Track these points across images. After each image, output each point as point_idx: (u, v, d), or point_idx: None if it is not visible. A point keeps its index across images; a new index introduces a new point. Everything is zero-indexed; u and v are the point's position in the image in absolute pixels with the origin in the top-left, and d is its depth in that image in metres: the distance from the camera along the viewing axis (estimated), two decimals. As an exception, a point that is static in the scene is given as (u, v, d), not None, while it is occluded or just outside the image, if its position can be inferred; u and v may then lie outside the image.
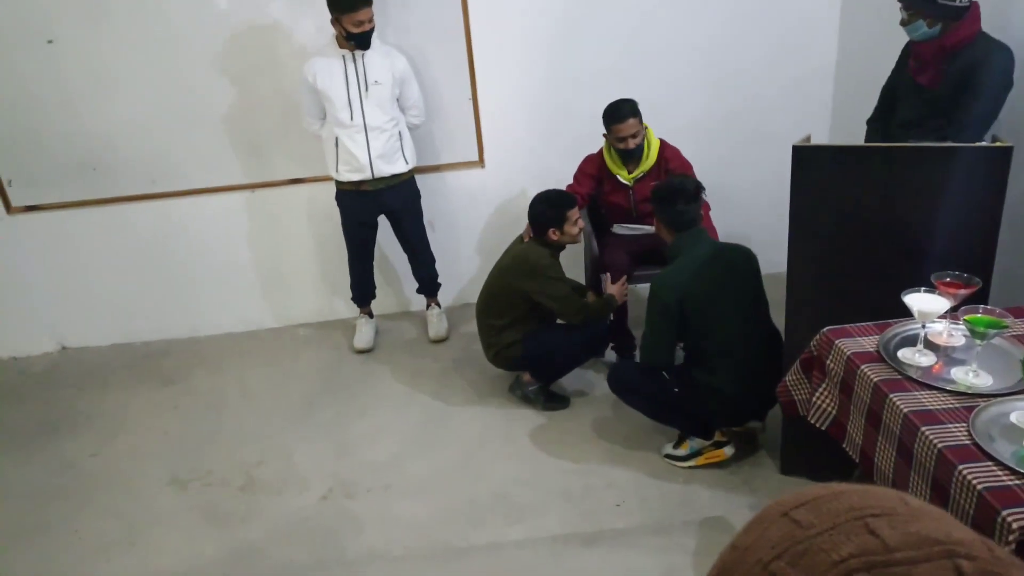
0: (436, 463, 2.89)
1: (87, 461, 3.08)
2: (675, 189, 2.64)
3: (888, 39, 2.75)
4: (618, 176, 3.30)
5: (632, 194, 3.32)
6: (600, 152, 3.35)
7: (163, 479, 2.93)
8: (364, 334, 3.78)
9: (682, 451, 2.74)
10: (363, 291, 3.80)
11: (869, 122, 2.91)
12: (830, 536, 0.44)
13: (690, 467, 2.72)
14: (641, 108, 3.21)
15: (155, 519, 2.72)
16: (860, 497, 0.47)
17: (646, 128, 3.25)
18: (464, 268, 4.02)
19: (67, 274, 3.89)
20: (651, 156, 3.27)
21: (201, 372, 3.71)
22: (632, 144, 3.19)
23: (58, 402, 3.55)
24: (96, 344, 4.04)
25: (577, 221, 3.07)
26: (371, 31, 3.22)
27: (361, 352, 3.75)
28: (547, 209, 3.02)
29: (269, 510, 2.72)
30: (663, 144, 3.32)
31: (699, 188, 2.66)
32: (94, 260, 3.87)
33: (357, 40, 3.20)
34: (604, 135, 3.29)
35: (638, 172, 3.28)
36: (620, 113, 3.16)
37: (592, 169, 3.37)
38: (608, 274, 3.19)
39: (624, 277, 3.17)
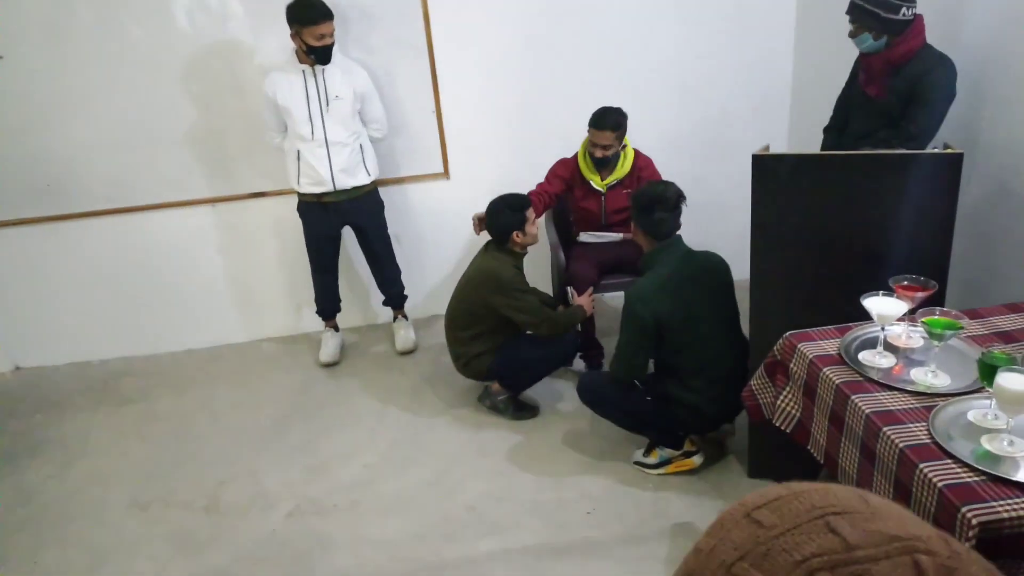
0: (407, 479, 2.87)
1: (46, 488, 2.99)
2: (655, 197, 2.55)
3: (841, 53, 2.83)
4: (591, 182, 3.32)
5: (603, 201, 3.35)
6: (575, 156, 3.37)
7: (125, 503, 2.85)
8: (329, 348, 3.74)
9: (652, 459, 2.76)
10: (328, 304, 3.76)
11: (825, 130, 2.99)
12: (792, 536, 0.45)
13: (660, 474, 2.73)
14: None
15: (118, 546, 2.64)
16: (821, 496, 0.48)
17: (625, 144, 3.28)
18: (431, 279, 4.01)
19: (21, 292, 3.79)
20: (626, 165, 3.30)
21: (163, 391, 3.63)
22: (600, 154, 3.22)
23: (14, 426, 3.44)
24: (52, 363, 3.94)
25: (534, 220, 3.09)
26: (332, 45, 3.21)
27: (327, 366, 3.71)
28: (509, 214, 3.03)
29: (235, 532, 2.66)
30: (637, 154, 3.35)
31: (680, 197, 2.59)
32: (49, 277, 3.78)
33: (317, 54, 3.19)
34: (587, 139, 3.30)
35: (611, 179, 3.31)
36: (601, 121, 3.18)
37: (564, 172, 3.38)
38: (572, 288, 3.20)
39: (591, 289, 3.18)
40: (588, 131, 3.25)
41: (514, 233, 3.03)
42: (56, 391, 3.71)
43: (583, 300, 3.14)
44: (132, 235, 3.75)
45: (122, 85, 3.48)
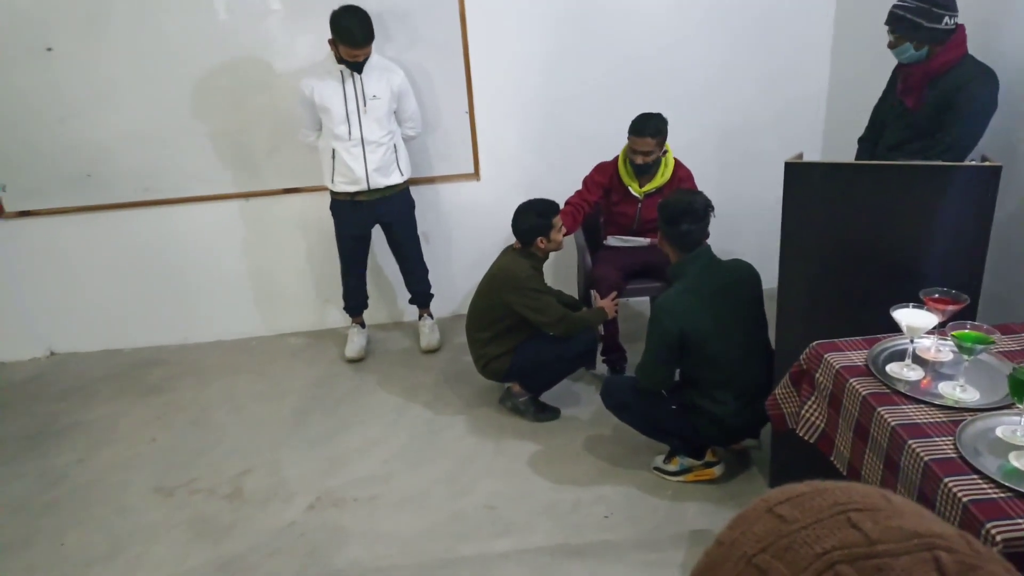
0: (425, 475, 2.88)
1: (73, 472, 3.04)
2: (682, 208, 2.51)
3: (880, 62, 2.78)
4: (629, 188, 3.31)
5: (640, 208, 3.33)
6: (615, 160, 3.35)
7: (149, 489, 2.90)
8: (355, 343, 3.77)
9: (672, 467, 2.74)
10: (356, 301, 3.79)
11: (860, 140, 2.94)
12: (814, 530, 0.45)
13: (679, 482, 2.71)
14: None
15: (140, 531, 2.69)
16: (843, 493, 0.48)
17: (667, 149, 3.26)
18: (458, 280, 4.03)
19: (58, 279, 3.88)
20: (666, 173, 3.28)
21: (191, 380, 3.69)
22: (640, 160, 3.19)
23: (42, 410, 3.52)
24: (85, 350, 4.02)
25: (561, 228, 3.08)
26: (365, 60, 3.25)
27: (352, 361, 3.74)
28: (535, 218, 3.03)
29: (255, 521, 2.69)
30: (678, 164, 3.32)
31: (708, 206, 2.55)
32: (86, 266, 3.87)
33: (349, 66, 3.25)
34: (627, 146, 3.29)
35: (650, 187, 3.29)
36: (641, 127, 3.17)
37: (602, 178, 3.36)
38: (595, 291, 3.19)
39: (614, 293, 3.17)
40: (628, 138, 3.22)
41: (538, 239, 3.03)
42: (85, 377, 3.79)
43: (606, 303, 3.13)
44: (164, 227, 3.82)
45: (158, 78, 3.55)
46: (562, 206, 3.23)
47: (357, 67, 3.26)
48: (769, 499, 0.50)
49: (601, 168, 3.39)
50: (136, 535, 2.66)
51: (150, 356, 3.95)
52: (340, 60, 3.23)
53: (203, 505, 2.79)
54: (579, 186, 3.42)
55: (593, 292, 3.20)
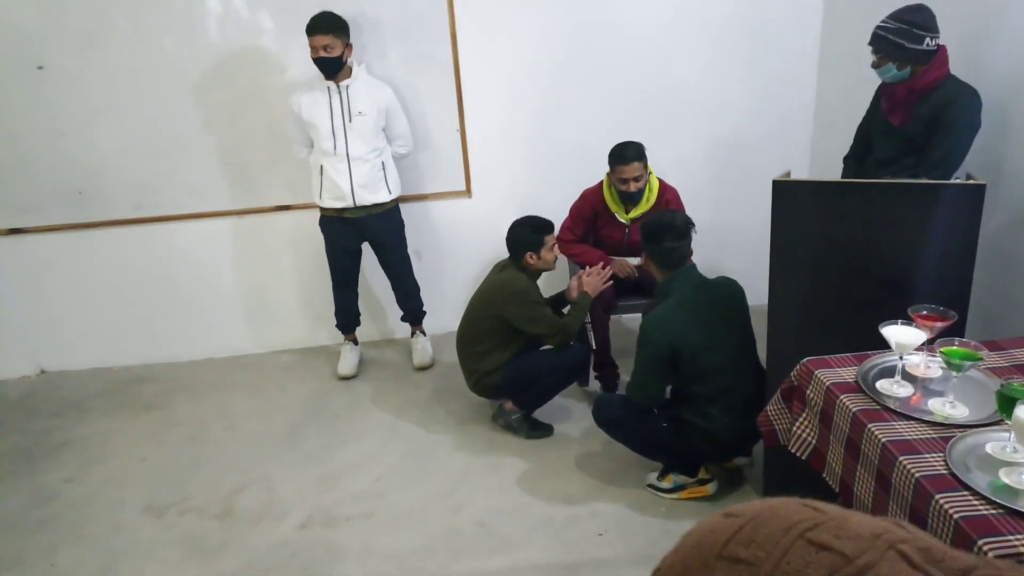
0: (419, 492, 2.87)
1: (64, 490, 3.02)
2: (664, 226, 2.57)
3: (864, 81, 2.83)
4: (615, 214, 3.33)
5: (627, 232, 3.35)
6: (599, 187, 3.36)
7: (140, 507, 2.88)
8: (348, 361, 3.77)
9: (666, 484, 2.74)
10: (347, 318, 3.80)
11: (845, 159, 2.99)
12: (789, 564, 0.44)
13: (673, 499, 2.72)
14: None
15: (132, 549, 2.67)
16: (784, 516, 0.47)
17: (650, 172, 3.27)
18: (450, 297, 4.03)
19: (48, 297, 3.87)
20: (651, 198, 3.29)
21: (182, 398, 3.68)
22: (634, 187, 3.20)
23: (35, 427, 3.49)
24: (76, 368, 4.00)
25: (554, 247, 3.10)
26: (336, 59, 3.24)
27: (344, 379, 3.74)
28: (527, 232, 3.05)
29: (247, 539, 2.68)
30: (663, 185, 3.34)
31: (689, 224, 2.61)
32: (76, 283, 3.86)
33: (319, 66, 3.26)
34: (608, 173, 3.30)
35: (636, 212, 3.30)
36: (625, 155, 3.17)
37: (587, 209, 3.37)
38: (580, 274, 3.16)
39: (599, 264, 3.15)
40: (612, 171, 3.23)
41: (528, 254, 3.05)
42: (78, 395, 3.77)
43: (590, 280, 3.09)
44: (157, 244, 3.83)
45: (152, 94, 3.56)
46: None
47: (326, 67, 3.24)
48: (705, 544, 0.47)
49: (585, 197, 3.39)
50: (129, 553, 2.64)
51: (142, 373, 3.94)
52: (315, 62, 3.25)
53: (196, 523, 2.77)
54: (571, 200, 3.45)
55: (578, 275, 3.17)
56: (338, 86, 3.33)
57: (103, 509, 2.89)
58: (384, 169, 3.49)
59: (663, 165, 3.45)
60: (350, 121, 3.35)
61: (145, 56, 3.51)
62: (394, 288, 3.79)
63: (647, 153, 3.22)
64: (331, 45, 3.21)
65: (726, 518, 0.49)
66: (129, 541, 2.71)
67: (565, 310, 3.28)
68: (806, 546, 0.44)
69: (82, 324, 3.93)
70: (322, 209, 3.53)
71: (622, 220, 3.32)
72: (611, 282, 3.16)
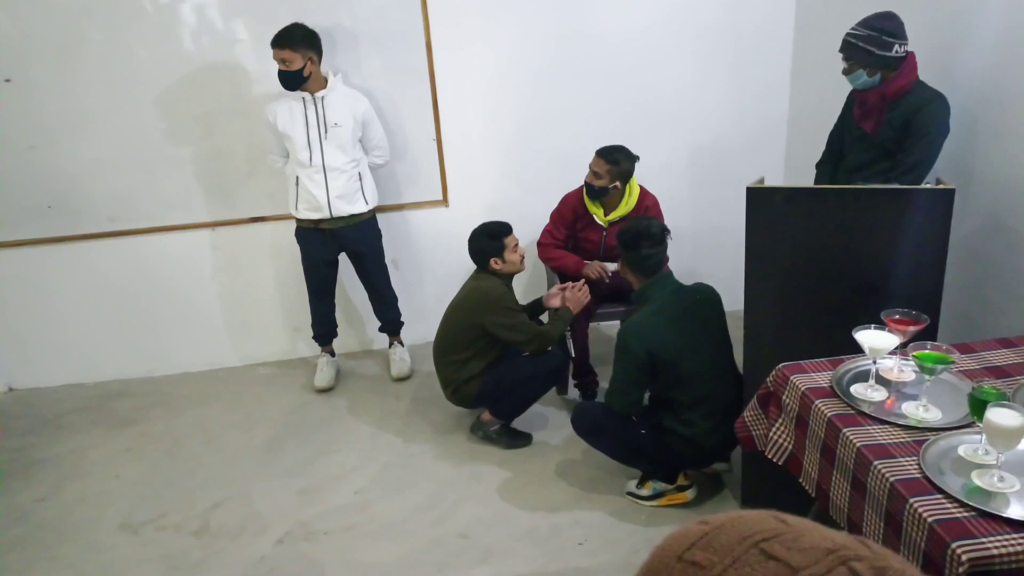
0: (400, 504, 2.85)
1: (39, 509, 2.97)
2: (640, 233, 2.59)
3: (837, 88, 2.87)
4: (594, 216, 3.35)
5: (605, 236, 3.36)
6: (580, 190, 3.38)
7: (116, 525, 2.84)
8: (325, 373, 3.74)
9: (645, 491, 2.75)
10: (324, 329, 3.77)
11: (818, 165, 3.02)
12: (735, 570, 0.45)
13: (653, 506, 2.72)
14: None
15: (108, 568, 2.62)
16: (745, 525, 0.49)
17: (630, 184, 3.29)
18: (428, 307, 4.01)
19: (17, 312, 3.80)
20: (630, 202, 3.31)
21: (159, 412, 3.63)
22: (590, 179, 3.24)
23: (7, 446, 3.42)
24: (47, 385, 3.93)
25: (516, 247, 3.11)
26: (294, 74, 3.21)
27: (322, 391, 3.70)
28: (485, 240, 3.07)
29: (225, 556, 2.64)
30: (643, 192, 3.36)
31: (664, 231, 2.63)
32: (46, 298, 3.79)
33: (280, 79, 3.24)
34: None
35: (614, 215, 3.31)
36: (603, 150, 3.23)
37: (568, 211, 3.39)
38: (558, 287, 3.18)
39: (582, 281, 3.17)
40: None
41: (492, 260, 3.06)
42: (51, 411, 3.70)
43: (574, 296, 3.10)
44: (131, 257, 3.77)
45: (127, 106, 3.52)
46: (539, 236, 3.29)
47: (285, 80, 3.23)
48: (673, 548, 0.50)
49: (566, 200, 3.42)
50: (105, 573, 2.60)
51: (117, 389, 3.88)
52: (281, 82, 3.24)
53: (173, 540, 2.73)
54: (549, 208, 3.46)
55: (555, 288, 3.18)
56: (313, 97, 3.31)
57: (78, 528, 2.84)
58: (361, 180, 3.47)
59: (643, 173, 3.46)
60: (326, 132, 3.33)
61: (118, 67, 3.47)
62: (371, 299, 3.77)
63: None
64: (289, 59, 3.19)
65: (698, 525, 0.51)
66: (105, 560, 2.66)
67: (543, 317, 3.29)
68: (758, 555, 0.46)
69: (54, 340, 3.86)
70: (298, 220, 3.51)
71: (600, 223, 3.34)
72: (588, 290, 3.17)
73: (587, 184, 3.28)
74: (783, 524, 0.48)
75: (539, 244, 3.43)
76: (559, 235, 3.40)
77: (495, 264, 3.07)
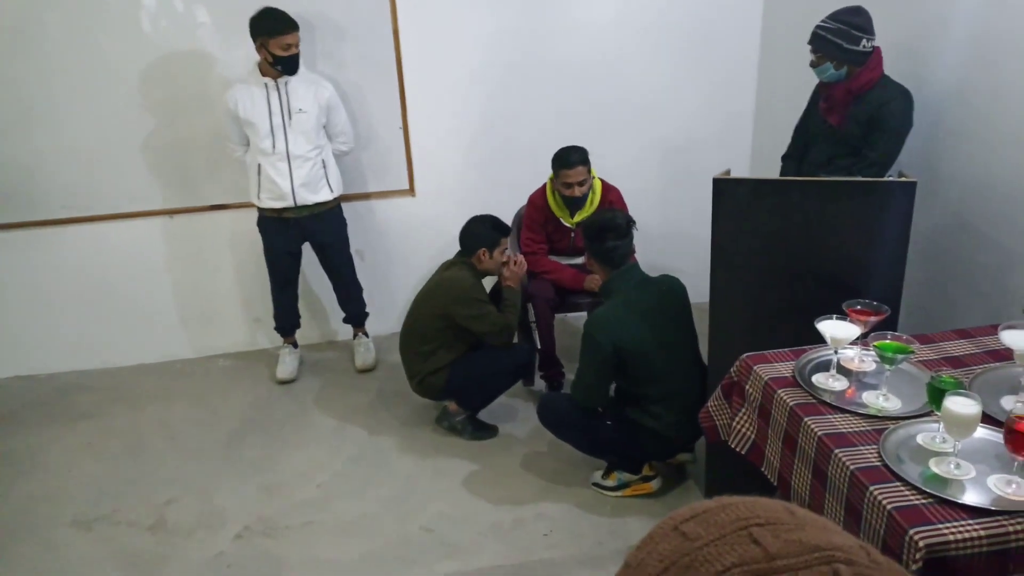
0: (364, 499, 2.81)
1: (-13, 505, 2.87)
2: (604, 225, 2.57)
3: (802, 82, 2.89)
4: (561, 220, 3.32)
5: (573, 237, 3.35)
6: (543, 191, 3.35)
7: (73, 523, 2.75)
8: (287, 365, 3.68)
9: (610, 482, 2.75)
10: (287, 321, 3.70)
11: (784, 158, 3.04)
12: (715, 547, 0.45)
13: (618, 497, 2.72)
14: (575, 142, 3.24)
15: (63, 567, 2.54)
16: (747, 508, 0.48)
17: (593, 177, 3.26)
18: (394, 297, 3.98)
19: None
20: (595, 201, 3.29)
21: (117, 406, 3.53)
22: (579, 192, 3.20)
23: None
24: (-4, 377, 3.81)
25: (505, 251, 3.09)
26: (298, 55, 3.18)
27: (284, 383, 3.64)
28: (488, 229, 3.04)
29: (181, 553, 2.58)
30: (606, 186, 3.34)
31: (630, 223, 2.62)
32: (-3, 288, 3.67)
33: (284, 64, 3.17)
34: (551, 178, 3.29)
35: (581, 216, 3.29)
36: (569, 160, 3.16)
37: (538, 214, 3.36)
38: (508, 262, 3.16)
39: (517, 255, 3.16)
40: (556, 175, 3.22)
41: (481, 250, 3.03)
42: (3, 406, 3.58)
43: (511, 273, 3.08)
44: (84, 245, 3.66)
45: (86, 93, 3.42)
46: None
47: (291, 65, 3.17)
48: (676, 517, 0.50)
49: (532, 204, 3.39)
50: (59, 572, 2.52)
51: (71, 381, 3.77)
52: (275, 62, 3.15)
53: (128, 537, 2.66)
54: (516, 201, 3.45)
55: (504, 271, 3.15)
56: (276, 82, 3.24)
57: (32, 526, 2.75)
58: (325, 167, 3.41)
59: (610, 168, 3.46)
60: (290, 119, 3.26)
61: (78, 55, 3.35)
62: (336, 289, 3.71)
63: (591, 157, 3.22)
64: (296, 42, 3.16)
65: (711, 502, 0.51)
66: (60, 559, 2.58)
67: None
68: (744, 537, 0.45)
69: (2, 329, 3.74)
70: (260, 209, 3.44)
71: (567, 225, 3.32)
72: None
73: (571, 198, 3.22)
74: (789, 514, 0.48)
75: (526, 255, 3.33)
76: (540, 241, 3.38)
77: (483, 255, 3.04)
